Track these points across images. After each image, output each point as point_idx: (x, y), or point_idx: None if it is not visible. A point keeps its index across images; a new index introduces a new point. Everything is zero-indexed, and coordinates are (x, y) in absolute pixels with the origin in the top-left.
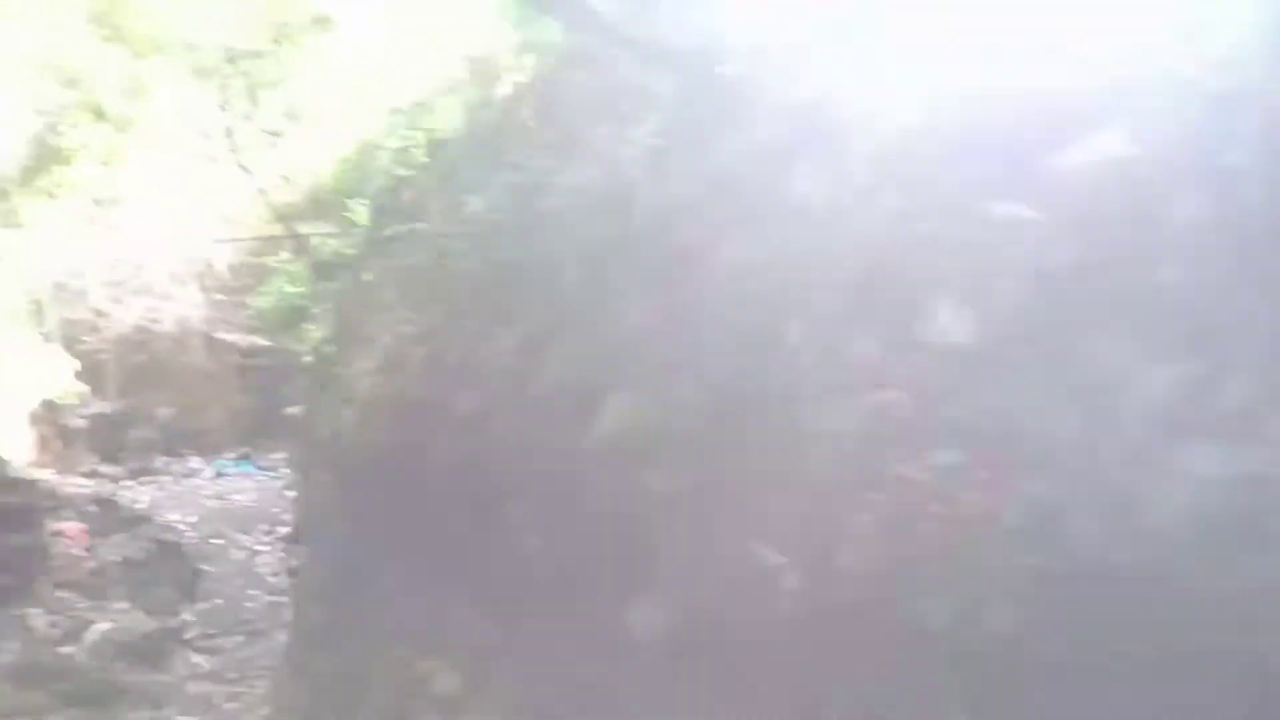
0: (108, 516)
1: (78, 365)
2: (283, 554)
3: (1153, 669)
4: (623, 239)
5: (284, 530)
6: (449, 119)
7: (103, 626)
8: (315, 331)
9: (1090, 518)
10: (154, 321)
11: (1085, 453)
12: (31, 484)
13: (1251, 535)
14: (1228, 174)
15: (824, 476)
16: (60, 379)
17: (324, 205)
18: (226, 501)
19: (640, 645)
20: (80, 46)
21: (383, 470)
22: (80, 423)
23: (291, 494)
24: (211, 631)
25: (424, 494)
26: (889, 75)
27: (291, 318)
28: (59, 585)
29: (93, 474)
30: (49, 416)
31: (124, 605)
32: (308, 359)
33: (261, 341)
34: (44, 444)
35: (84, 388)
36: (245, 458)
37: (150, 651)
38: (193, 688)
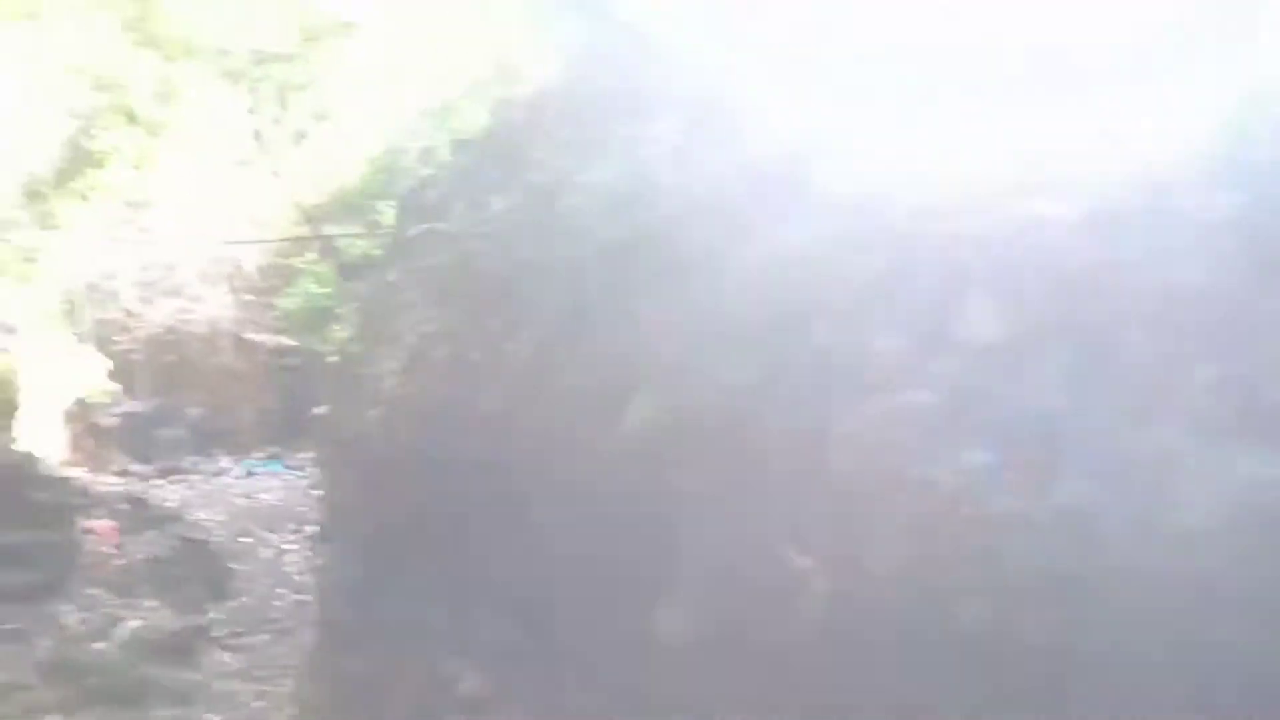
0: (138, 514)
1: (110, 365)
2: (310, 553)
3: (1187, 671)
4: (646, 238)
5: (311, 529)
6: (472, 119)
7: (132, 623)
8: (341, 332)
9: (1123, 519)
10: (184, 322)
11: (1120, 453)
12: (64, 481)
13: None
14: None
15: (852, 477)
16: (93, 378)
17: (351, 206)
18: (255, 500)
19: (667, 646)
20: (113, 51)
21: (407, 470)
22: (112, 421)
23: (318, 493)
24: (239, 629)
25: (448, 493)
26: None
27: (318, 318)
28: (89, 582)
29: (124, 472)
30: (82, 415)
31: (153, 602)
32: (333, 359)
33: (289, 342)
34: (76, 442)
35: (116, 387)
36: (274, 457)
37: (179, 649)
38: (220, 685)
